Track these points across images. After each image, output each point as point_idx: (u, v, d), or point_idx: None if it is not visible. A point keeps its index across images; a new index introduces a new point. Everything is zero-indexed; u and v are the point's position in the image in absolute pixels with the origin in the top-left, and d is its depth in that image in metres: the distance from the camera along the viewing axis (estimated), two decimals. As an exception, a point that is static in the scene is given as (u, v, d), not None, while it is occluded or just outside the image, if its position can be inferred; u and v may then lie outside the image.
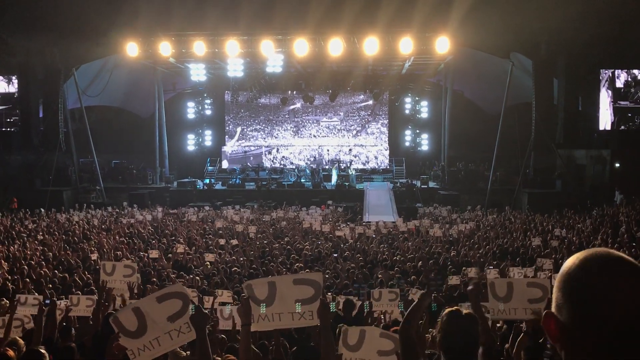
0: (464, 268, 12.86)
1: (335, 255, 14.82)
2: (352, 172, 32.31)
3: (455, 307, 3.03)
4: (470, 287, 5.12)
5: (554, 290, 1.32)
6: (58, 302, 6.95)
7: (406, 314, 3.58)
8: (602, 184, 26.89)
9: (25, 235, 17.76)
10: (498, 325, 6.95)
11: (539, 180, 28.52)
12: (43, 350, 4.35)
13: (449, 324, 2.93)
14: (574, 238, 16.71)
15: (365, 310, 7.98)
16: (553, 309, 1.29)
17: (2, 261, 13.25)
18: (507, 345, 5.59)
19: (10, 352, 4.30)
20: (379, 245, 16.68)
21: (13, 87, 33.63)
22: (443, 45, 24.58)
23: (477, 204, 26.87)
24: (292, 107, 36.82)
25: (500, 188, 29.04)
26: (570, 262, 1.30)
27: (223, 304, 8.55)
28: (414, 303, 3.61)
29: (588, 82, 28.60)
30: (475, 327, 2.96)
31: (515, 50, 27.16)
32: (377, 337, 4.34)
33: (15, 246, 15.56)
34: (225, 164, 36.40)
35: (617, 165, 26.81)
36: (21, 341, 5.40)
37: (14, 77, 32.17)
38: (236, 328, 6.98)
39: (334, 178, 31.60)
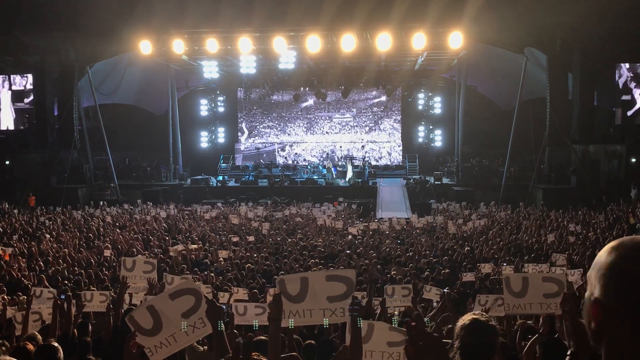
0: (478, 264, 12.81)
1: (349, 251, 14.81)
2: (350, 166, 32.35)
3: (476, 317, 3.01)
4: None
5: (596, 279, 1.41)
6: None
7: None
8: (617, 179, 26.60)
9: (40, 232, 17.95)
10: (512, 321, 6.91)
11: (553, 176, 28.28)
12: (56, 344, 4.41)
13: (469, 335, 2.92)
14: (590, 234, 16.58)
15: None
16: (598, 296, 1.39)
17: (19, 257, 13.41)
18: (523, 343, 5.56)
19: (30, 346, 4.35)
20: (393, 241, 16.64)
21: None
22: (456, 40, 24.42)
23: (491, 200, 26.73)
24: (304, 104, 36.81)
25: (514, 184, 28.84)
26: (607, 252, 1.41)
27: (238, 300, 8.58)
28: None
29: (603, 77, 28.26)
30: (494, 338, 2.97)
31: (529, 45, 26.93)
32: (386, 330, 4.35)
33: (32, 243, 15.72)
34: (239, 160, 36.54)
35: (633, 160, 26.50)
36: (39, 336, 5.46)
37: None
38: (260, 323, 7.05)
39: (349, 174, 31.51)
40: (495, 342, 2.97)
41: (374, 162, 35.35)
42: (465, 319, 3.00)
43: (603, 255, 1.42)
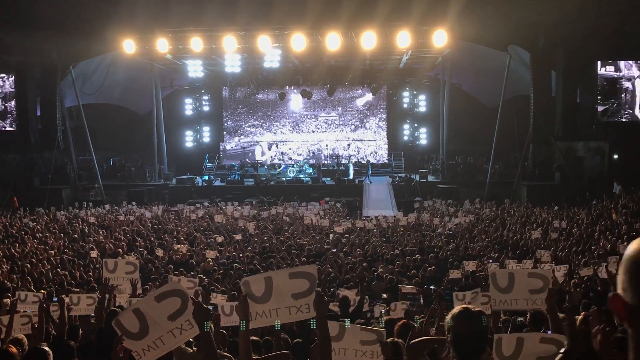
0: (463, 261, 12.88)
1: (335, 250, 14.81)
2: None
3: (465, 306, 2.99)
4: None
5: (620, 273, 1.41)
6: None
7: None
8: (600, 175, 26.92)
9: (24, 233, 17.75)
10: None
11: (537, 173, 28.54)
12: (47, 348, 4.36)
13: (460, 325, 2.89)
14: (574, 230, 16.74)
15: (363, 306, 7.96)
16: (619, 291, 1.39)
17: (3, 260, 13.25)
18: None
19: (13, 349, 4.29)
20: (379, 239, 16.68)
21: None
22: (440, 38, 24.53)
23: (476, 197, 26.91)
24: (290, 102, 36.72)
25: (499, 181, 29.07)
26: (634, 246, 1.39)
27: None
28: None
29: (586, 74, 28.55)
30: (485, 326, 2.94)
31: (512, 42, 27.12)
32: (358, 331, 4.40)
33: (16, 245, 15.54)
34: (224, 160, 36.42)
35: (616, 156, 26.82)
36: (25, 339, 5.39)
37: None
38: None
39: (351, 173, 31.63)
40: (486, 331, 2.94)
41: (360, 160, 35.39)
42: (455, 310, 2.99)
43: (629, 247, 1.40)
